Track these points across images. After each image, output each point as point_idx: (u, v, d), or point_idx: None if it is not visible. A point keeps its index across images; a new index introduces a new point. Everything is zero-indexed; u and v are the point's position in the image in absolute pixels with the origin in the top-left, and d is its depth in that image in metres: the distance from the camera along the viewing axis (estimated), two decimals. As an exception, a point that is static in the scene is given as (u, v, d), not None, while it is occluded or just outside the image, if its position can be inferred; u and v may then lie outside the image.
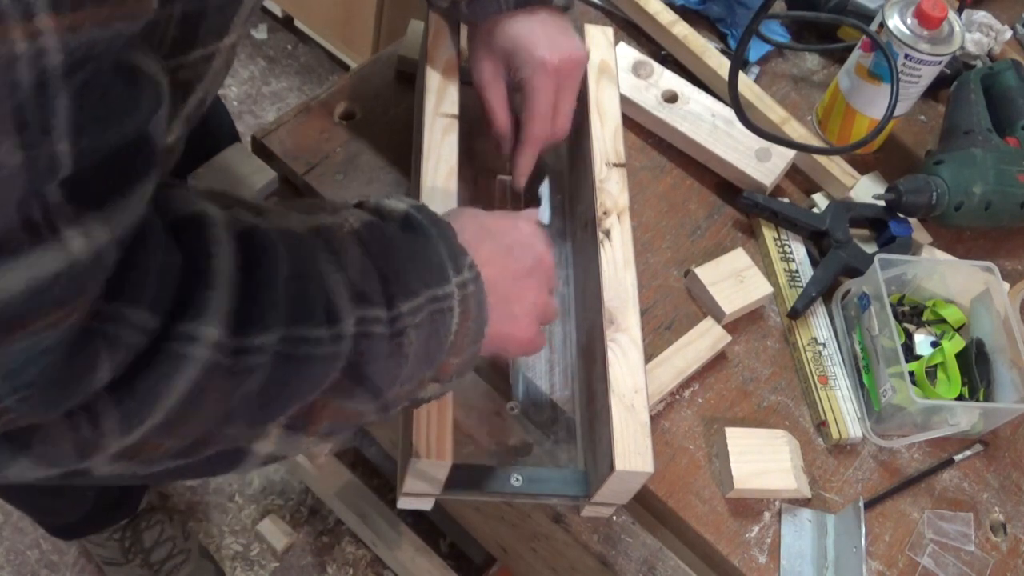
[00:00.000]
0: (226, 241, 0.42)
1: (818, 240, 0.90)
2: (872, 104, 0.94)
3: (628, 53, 0.95)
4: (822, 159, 0.94)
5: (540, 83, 0.72)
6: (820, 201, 0.93)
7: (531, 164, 0.77)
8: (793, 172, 0.95)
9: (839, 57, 1.08)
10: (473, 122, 0.77)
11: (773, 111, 0.95)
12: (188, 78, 0.56)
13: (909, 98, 0.95)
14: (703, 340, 0.81)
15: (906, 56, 0.89)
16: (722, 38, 1.05)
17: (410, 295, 0.51)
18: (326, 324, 0.45)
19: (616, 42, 0.88)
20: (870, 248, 0.90)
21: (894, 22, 0.89)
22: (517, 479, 0.68)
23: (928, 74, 0.91)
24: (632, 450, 0.63)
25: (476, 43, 0.75)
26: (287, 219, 0.49)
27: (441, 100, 0.76)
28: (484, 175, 0.84)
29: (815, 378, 0.82)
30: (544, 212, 0.84)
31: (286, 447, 0.49)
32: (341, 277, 0.47)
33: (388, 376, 0.50)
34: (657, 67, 0.95)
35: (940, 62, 0.91)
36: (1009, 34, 1.12)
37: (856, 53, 0.94)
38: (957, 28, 0.90)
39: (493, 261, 0.58)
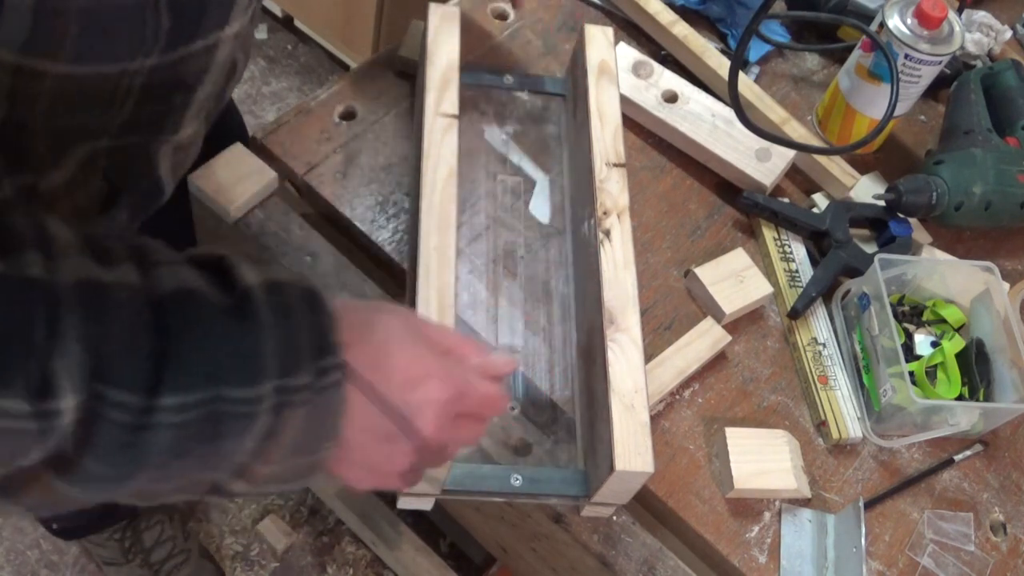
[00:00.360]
0: None
1: (818, 240, 0.90)
2: (872, 104, 0.94)
3: (628, 53, 0.95)
4: (822, 159, 0.94)
5: None
6: (820, 201, 0.93)
7: None
8: (793, 172, 0.95)
9: (839, 57, 1.08)
10: (474, 121, 0.77)
11: (773, 111, 0.95)
12: (195, 69, 0.56)
13: (909, 98, 0.95)
14: (703, 340, 0.81)
15: (906, 56, 0.89)
16: (722, 38, 1.05)
17: (183, 390, 0.43)
18: (30, 397, 0.39)
19: (616, 42, 0.87)
20: (870, 248, 0.90)
21: (894, 22, 0.89)
22: (517, 479, 0.68)
23: (928, 74, 0.91)
24: (632, 450, 0.63)
25: None
26: (61, 268, 0.41)
27: (441, 100, 0.76)
28: (484, 175, 0.84)
29: (815, 378, 0.82)
30: (544, 212, 0.84)
31: None
32: (81, 349, 0.40)
33: (119, 470, 0.43)
34: (657, 67, 0.95)
35: (940, 62, 0.90)
36: (1009, 34, 1.12)
37: (856, 53, 0.94)
38: (957, 28, 0.90)
39: (357, 404, 0.50)
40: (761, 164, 0.91)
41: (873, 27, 0.91)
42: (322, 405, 0.47)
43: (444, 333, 0.56)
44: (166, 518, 1.42)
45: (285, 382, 0.45)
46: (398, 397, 0.51)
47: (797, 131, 0.94)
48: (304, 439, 0.48)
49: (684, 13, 1.02)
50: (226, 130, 0.85)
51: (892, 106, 0.89)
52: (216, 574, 1.46)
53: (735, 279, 0.84)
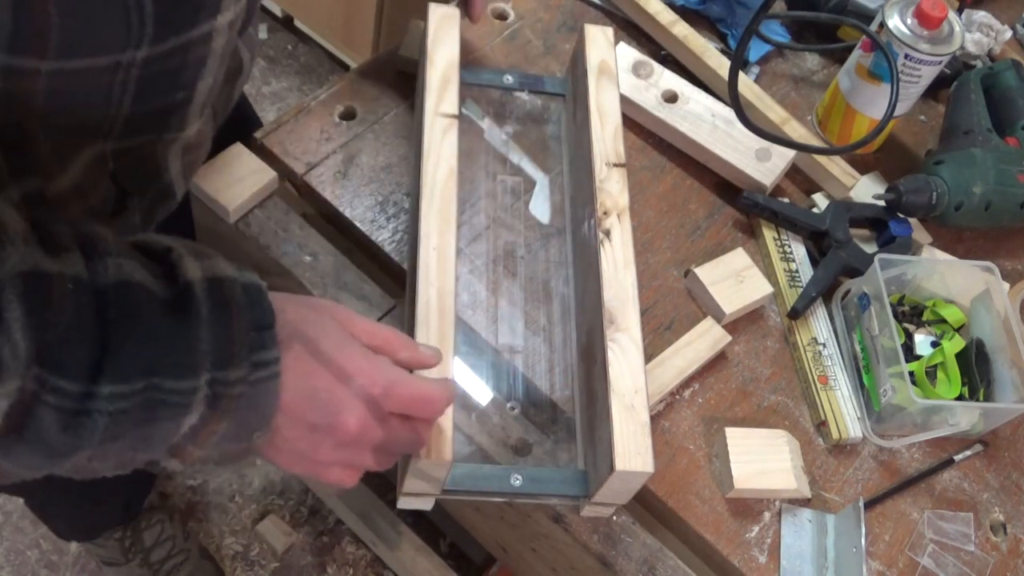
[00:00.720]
0: None
1: (818, 240, 0.90)
2: (872, 104, 0.94)
3: (628, 53, 0.95)
4: (822, 159, 0.94)
5: None
6: (820, 201, 0.93)
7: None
8: (793, 172, 0.95)
9: (839, 57, 1.08)
10: (474, 121, 0.77)
11: (773, 111, 0.95)
12: (192, 60, 0.56)
13: (909, 98, 0.95)
14: (703, 340, 0.81)
15: (906, 56, 0.89)
16: (722, 38, 1.05)
17: (121, 379, 0.44)
18: None
19: (616, 42, 0.87)
20: (870, 248, 0.90)
21: (894, 22, 0.89)
22: (517, 479, 0.68)
23: (928, 74, 0.91)
24: (632, 450, 0.63)
25: None
26: (11, 256, 0.43)
27: (441, 100, 0.76)
28: (484, 175, 0.84)
29: (815, 378, 0.82)
30: (544, 212, 0.84)
31: None
32: (25, 335, 0.41)
33: (56, 450, 0.44)
34: (657, 67, 0.95)
35: (940, 62, 0.90)
36: (1009, 34, 1.12)
37: (856, 53, 0.94)
38: (957, 28, 0.90)
39: (289, 391, 0.51)
40: (761, 164, 0.91)
41: (873, 27, 0.91)
42: (254, 397, 0.49)
43: (376, 329, 0.57)
44: (166, 517, 1.42)
45: (219, 375, 0.47)
46: (326, 392, 0.52)
47: (797, 131, 0.94)
48: (235, 429, 0.50)
49: (684, 13, 1.02)
50: (245, 133, 0.85)
51: (892, 106, 0.89)
52: (216, 574, 1.46)
53: (735, 279, 0.84)
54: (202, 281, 0.48)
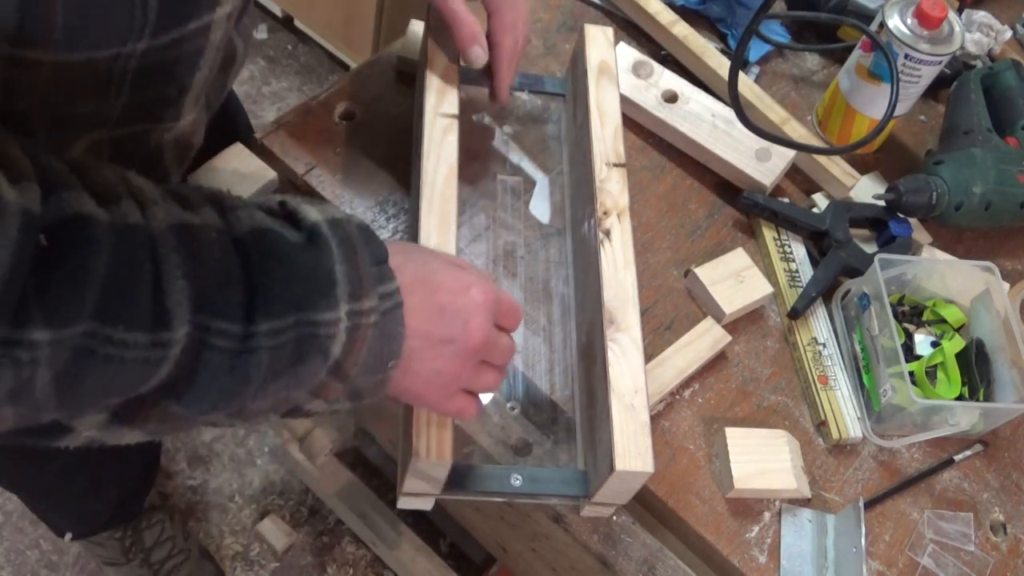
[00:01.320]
0: (13, 230, 0.39)
1: (818, 240, 0.90)
2: (872, 104, 0.94)
3: (628, 53, 0.95)
4: (822, 159, 0.94)
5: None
6: (820, 201, 0.93)
7: (513, 75, 0.77)
8: (793, 172, 0.95)
9: (839, 57, 1.08)
10: (474, 121, 0.77)
11: (773, 111, 0.95)
12: (189, 51, 0.57)
13: (909, 98, 0.95)
14: (703, 340, 0.81)
15: (906, 56, 0.89)
16: (722, 38, 1.05)
17: (275, 316, 0.48)
18: (147, 329, 0.43)
19: (616, 42, 0.87)
20: (870, 248, 0.90)
21: (894, 22, 0.89)
22: (517, 479, 0.68)
23: (928, 74, 0.92)
24: (632, 450, 0.63)
25: None
26: (154, 215, 0.46)
27: (441, 100, 0.76)
28: (484, 175, 0.84)
29: (815, 378, 0.82)
30: (544, 212, 0.84)
31: (109, 435, 0.48)
32: (186, 284, 0.45)
33: (226, 391, 0.48)
34: (657, 67, 0.95)
35: (940, 62, 0.91)
36: (1009, 34, 1.12)
37: (856, 53, 0.94)
38: (957, 28, 0.90)
39: (417, 316, 0.55)
40: (761, 164, 0.91)
41: (873, 27, 0.91)
42: (385, 326, 0.53)
43: (463, 261, 0.63)
44: (166, 517, 1.42)
45: (355, 306, 0.51)
46: (450, 305, 0.57)
47: (797, 131, 0.94)
48: (372, 360, 0.53)
49: (684, 13, 1.02)
50: (231, 127, 0.86)
51: (892, 106, 0.88)
52: (216, 574, 1.46)
53: (735, 279, 0.84)
54: (324, 222, 0.52)
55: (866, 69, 0.93)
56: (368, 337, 0.52)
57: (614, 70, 0.82)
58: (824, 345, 0.84)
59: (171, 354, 0.44)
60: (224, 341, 0.46)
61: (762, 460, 0.76)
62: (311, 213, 0.52)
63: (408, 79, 0.90)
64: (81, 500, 1.27)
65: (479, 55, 0.75)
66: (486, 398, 0.75)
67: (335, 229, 0.52)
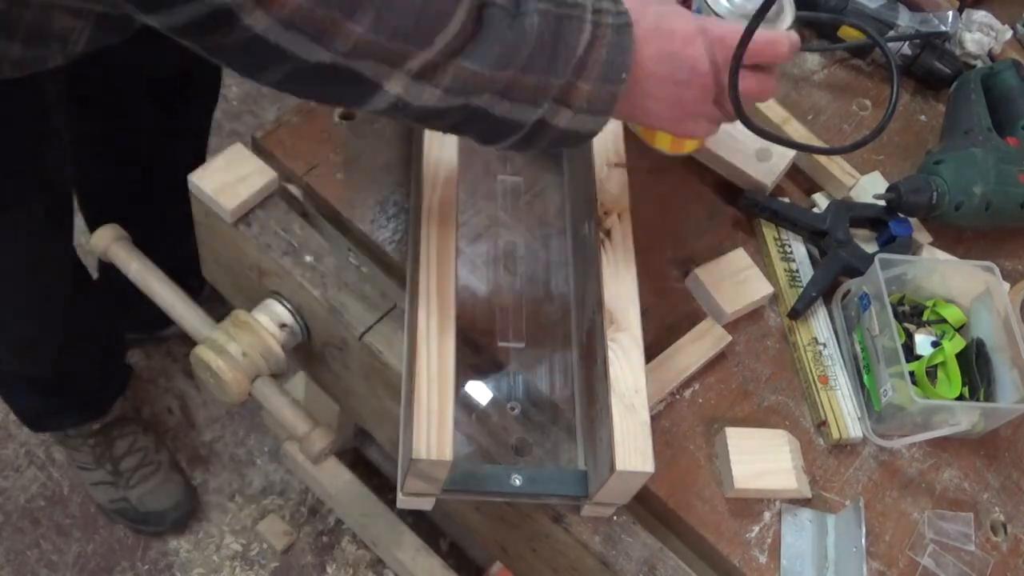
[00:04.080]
0: None
1: (818, 240, 0.90)
2: None
3: (628, 53, 0.95)
4: (822, 159, 0.94)
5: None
6: (820, 201, 0.93)
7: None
8: (793, 172, 0.95)
9: (839, 57, 1.08)
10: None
11: (773, 111, 0.95)
12: None
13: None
14: (703, 340, 0.81)
15: None
16: (722, 38, 1.05)
17: None
18: None
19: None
20: (870, 248, 0.90)
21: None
22: (517, 479, 0.68)
23: None
24: (632, 450, 0.63)
25: None
26: None
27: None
28: (484, 175, 0.84)
29: (815, 378, 0.82)
30: (544, 212, 0.84)
31: (413, 93, 0.55)
32: None
33: (507, 47, 0.55)
34: (657, 67, 0.95)
35: None
36: (1009, 34, 1.12)
37: None
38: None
39: (645, 63, 0.62)
40: (761, 164, 0.91)
41: None
42: (619, 37, 0.60)
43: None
44: (139, 430, 1.47)
45: (597, 4, 0.60)
46: (681, 51, 0.64)
47: (797, 131, 0.94)
48: (609, 64, 0.60)
49: (684, 13, 1.02)
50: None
51: (893, 106, 0.88)
52: (183, 484, 1.49)
53: (735, 279, 0.84)
54: None
55: None
56: (606, 37, 0.59)
57: (614, 70, 0.82)
58: (824, 345, 0.84)
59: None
60: (503, 2, 0.55)
61: (762, 460, 0.76)
62: None
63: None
64: (50, 392, 1.32)
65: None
66: (486, 398, 0.75)
67: None
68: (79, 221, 1.22)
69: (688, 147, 0.86)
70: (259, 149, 0.84)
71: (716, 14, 0.74)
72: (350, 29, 0.50)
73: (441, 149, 0.74)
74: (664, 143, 0.84)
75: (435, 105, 0.56)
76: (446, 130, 0.62)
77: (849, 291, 0.86)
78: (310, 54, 0.51)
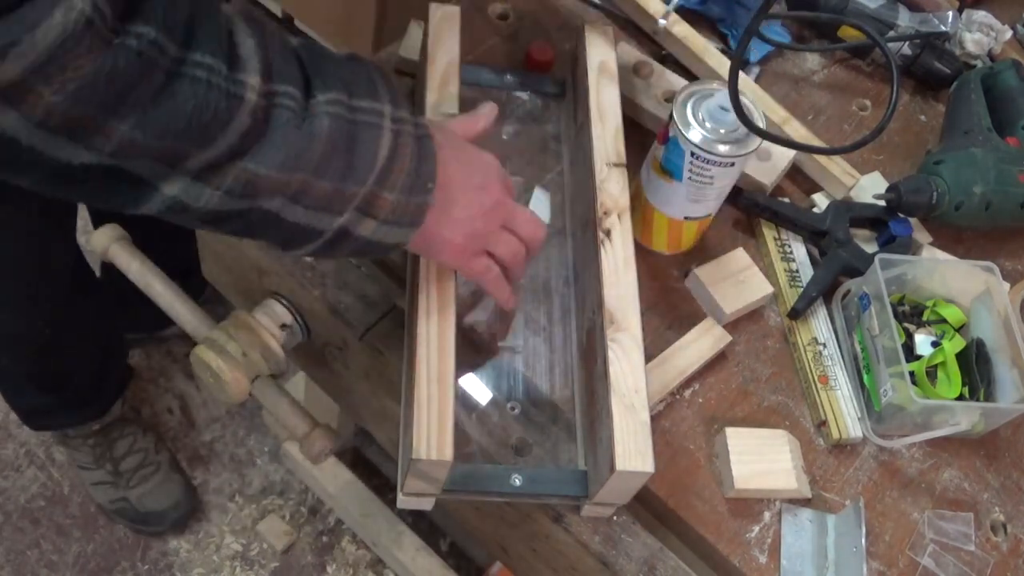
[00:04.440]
0: None
1: (818, 240, 0.90)
2: (668, 203, 0.82)
3: (628, 53, 0.95)
4: (822, 159, 0.94)
5: None
6: (820, 201, 0.93)
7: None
8: (793, 172, 0.95)
9: (839, 57, 1.08)
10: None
11: (773, 111, 0.95)
12: None
13: (705, 199, 0.81)
14: (703, 340, 0.81)
15: (692, 155, 0.76)
16: (722, 38, 1.05)
17: (331, 89, 0.54)
18: (226, 64, 0.49)
19: (616, 42, 0.87)
20: (870, 248, 0.90)
21: (684, 117, 0.76)
22: (517, 479, 0.68)
23: (721, 176, 0.78)
24: (632, 450, 0.63)
25: None
26: (231, 3, 0.52)
27: (441, 100, 0.76)
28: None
29: (815, 378, 0.82)
30: (544, 211, 0.84)
31: (191, 194, 0.51)
32: (255, 45, 0.51)
33: (296, 149, 0.52)
34: (657, 67, 0.95)
35: (732, 163, 0.77)
36: (1009, 34, 1.12)
37: (653, 144, 0.82)
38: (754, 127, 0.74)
39: (448, 165, 0.61)
40: (761, 164, 0.91)
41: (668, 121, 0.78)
42: (421, 148, 0.59)
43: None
44: (139, 431, 1.47)
45: (396, 112, 0.58)
46: (476, 158, 0.65)
47: (797, 131, 0.94)
48: (414, 175, 0.58)
49: (684, 13, 1.02)
50: None
51: (892, 106, 0.88)
52: (183, 484, 1.49)
53: (735, 279, 0.84)
54: (355, 54, 0.60)
55: (658, 163, 0.80)
56: (409, 147, 0.58)
57: (614, 70, 0.82)
58: (824, 345, 0.84)
59: (248, 97, 0.49)
60: (291, 102, 0.52)
61: (762, 460, 0.76)
62: (343, 50, 0.60)
63: (408, 79, 0.90)
64: (50, 392, 1.32)
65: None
66: (486, 398, 0.75)
67: (369, 61, 0.60)
68: (81, 222, 1.22)
69: (684, 244, 0.87)
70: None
71: (691, 142, 0.75)
72: (112, 128, 0.46)
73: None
74: (661, 244, 0.86)
75: (217, 208, 0.53)
76: (238, 235, 0.57)
77: (849, 291, 0.86)
78: (71, 156, 0.46)
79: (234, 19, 0.51)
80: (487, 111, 0.71)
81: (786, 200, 0.92)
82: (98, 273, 1.38)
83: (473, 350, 0.76)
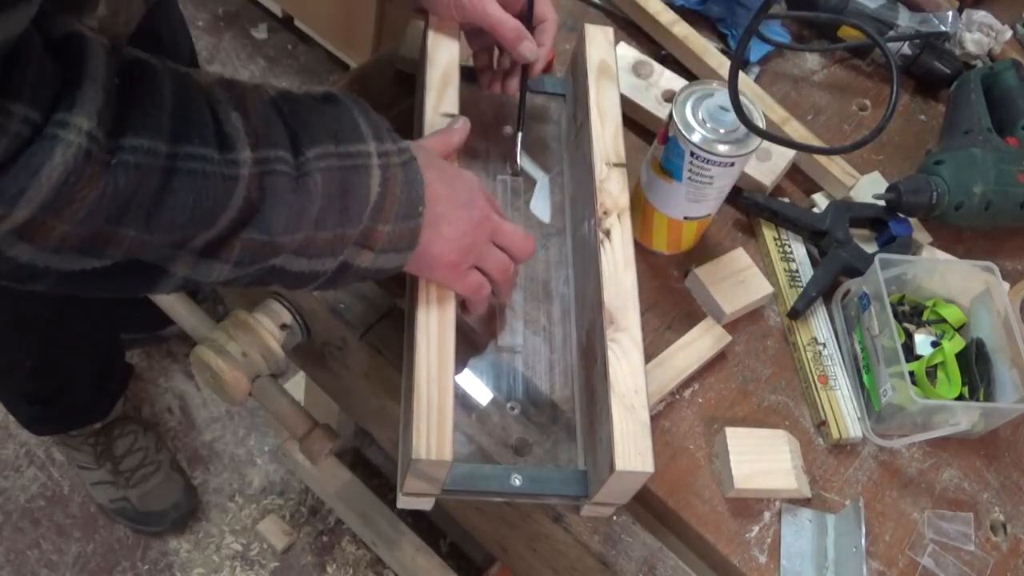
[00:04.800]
0: (103, 54, 0.46)
1: (818, 240, 0.90)
2: (667, 203, 0.82)
3: (628, 53, 0.95)
4: (822, 159, 0.94)
5: None
6: (820, 201, 0.93)
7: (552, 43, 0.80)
8: (793, 172, 0.95)
9: (839, 57, 1.08)
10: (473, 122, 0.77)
11: (773, 111, 0.95)
12: None
13: (705, 199, 0.81)
14: (703, 340, 0.81)
15: (692, 154, 0.76)
16: (722, 38, 1.05)
17: (318, 143, 0.56)
18: (216, 148, 0.50)
19: (616, 42, 0.87)
20: (870, 248, 0.90)
21: (683, 116, 0.76)
22: (517, 479, 0.67)
23: (721, 176, 0.78)
24: (632, 450, 0.63)
25: None
26: (196, 74, 0.53)
27: (441, 100, 0.76)
28: (484, 175, 0.84)
29: (815, 378, 0.82)
30: (544, 212, 0.84)
31: (201, 272, 0.54)
32: (238, 116, 0.52)
33: (294, 211, 0.54)
34: (657, 67, 0.95)
35: (731, 163, 0.77)
36: (1009, 34, 1.12)
37: (653, 144, 0.82)
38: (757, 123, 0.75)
39: (433, 185, 0.63)
40: (761, 164, 0.91)
41: (667, 121, 0.78)
42: (408, 173, 0.60)
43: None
44: (140, 429, 1.47)
45: (380, 147, 0.59)
46: (458, 179, 0.66)
47: (797, 131, 0.94)
48: (405, 202, 0.60)
49: (684, 13, 1.02)
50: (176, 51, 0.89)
51: (892, 106, 0.88)
52: (183, 484, 1.49)
53: (735, 279, 0.84)
54: (334, 91, 0.61)
55: (658, 163, 0.80)
56: (398, 177, 0.59)
57: (614, 70, 0.82)
58: (824, 345, 0.84)
59: (242, 173, 0.51)
60: (282, 166, 0.53)
61: (762, 460, 0.76)
62: (318, 88, 0.61)
63: (408, 79, 0.90)
64: (49, 395, 1.32)
65: (531, 49, 0.77)
66: (486, 398, 0.75)
67: (345, 96, 0.61)
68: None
69: (684, 244, 0.87)
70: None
71: (691, 142, 0.75)
72: (121, 236, 0.48)
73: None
74: (661, 244, 0.86)
75: (228, 278, 0.55)
76: (246, 287, 0.60)
77: (849, 291, 0.86)
78: (85, 265, 0.49)
79: (213, 94, 0.52)
80: (460, 125, 0.72)
81: (786, 200, 0.92)
82: None
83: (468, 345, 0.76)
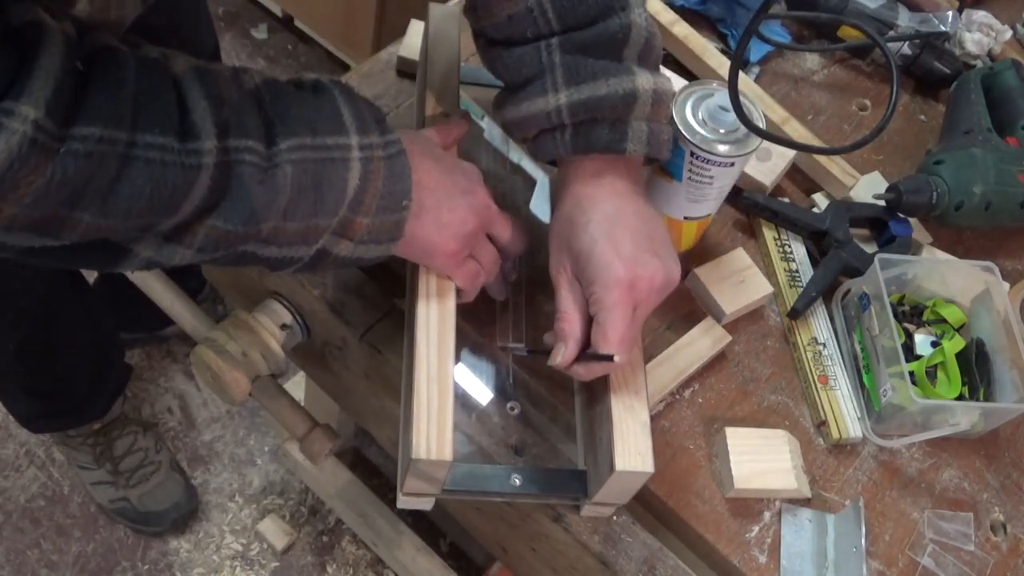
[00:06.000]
0: (60, 44, 0.46)
1: (818, 240, 0.90)
2: (668, 203, 0.81)
3: (628, 53, 0.95)
4: (822, 159, 0.94)
5: (614, 305, 0.63)
6: (820, 201, 0.93)
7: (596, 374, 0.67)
8: (793, 172, 0.95)
9: (839, 57, 1.08)
10: (473, 121, 0.77)
11: (773, 111, 0.95)
12: None
13: (705, 199, 0.80)
14: (703, 340, 0.81)
15: (692, 154, 0.76)
16: (722, 38, 1.05)
17: (293, 135, 0.55)
18: (177, 137, 0.50)
19: (616, 42, 0.87)
20: (870, 248, 0.90)
21: (684, 115, 0.76)
22: (517, 479, 0.68)
23: (721, 176, 0.77)
24: (632, 450, 0.63)
25: (555, 225, 0.69)
26: (172, 59, 0.53)
27: (441, 100, 0.76)
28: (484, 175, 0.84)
29: (815, 378, 0.82)
30: (544, 212, 0.84)
31: (165, 255, 0.54)
32: (208, 106, 0.51)
33: (260, 203, 0.53)
34: (657, 67, 0.95)
35: (731, 163, 0.76)
36: (1009, 34, 1.12)
37: None
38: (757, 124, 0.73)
39: (430, 173, 0.63)
40: (761, 164, 0.91)
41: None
42: (393, 166, 0.59)
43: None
44: (139, 430, 1.47)
45: (364, 140, 0.58)
46: (454, 168, 0.65)
47: (797, 131, 0.94)
48: (387, 195, 0.59)
49: (684, 13, 1.02)
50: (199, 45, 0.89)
51: (892, 106, 0.88)
52: (183, 484, 1.49)
53: (735, 279, 0.84)
54: (324, 79, 0.60)
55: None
56: (381, 170, 0.58)
57: (614, 70, 0.82)
58: (824, 345, 0.84)
59: (205, 163, 0.50)
60: (251, 156, 0.52)
61: (762, 460, 0.76)
62: (310, 75, 0.60)
63: (408, 79, 0.90)
64: (47, 392, 1.32)
65: (555, 357, 0.66)
66: (486, 398, 0.75)
67: (334, 83, 0.60)
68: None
69: (684, 244, 0.86)
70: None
71: (691, 142, 0.74)
72: (76, 220, 0.49)
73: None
74: None
75: (191, 261, 0.55)
76: (223, 267, 0.61)
77: (849, 291, 0.86)
78: (41, 243, 0.50)
79: (184, 82, 0.52)
80: (459, 120, 0.72)
81: (786, 200, 0.92)
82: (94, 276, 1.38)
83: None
